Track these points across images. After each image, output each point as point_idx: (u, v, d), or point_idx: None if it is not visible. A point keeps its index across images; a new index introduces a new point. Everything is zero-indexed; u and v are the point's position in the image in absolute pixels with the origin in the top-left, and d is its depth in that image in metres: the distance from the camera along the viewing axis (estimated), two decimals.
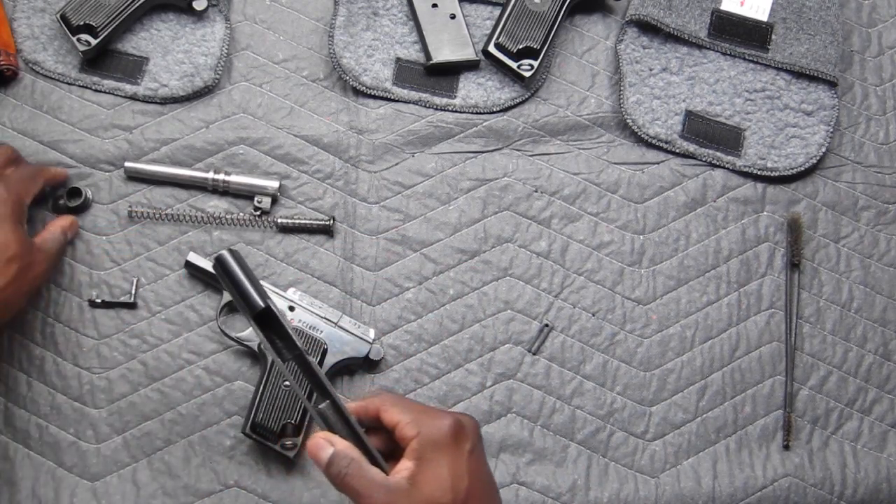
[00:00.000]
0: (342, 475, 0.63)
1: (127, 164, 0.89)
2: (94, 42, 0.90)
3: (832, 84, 0.97)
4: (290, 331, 0.66)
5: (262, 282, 0.85)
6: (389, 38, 0.96)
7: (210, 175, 0.89)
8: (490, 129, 0.95)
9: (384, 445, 0.67)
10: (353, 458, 0.63)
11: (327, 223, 0.89)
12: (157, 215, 0.89)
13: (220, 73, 0.93)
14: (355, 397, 0.67)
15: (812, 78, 0.97)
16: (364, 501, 0.62)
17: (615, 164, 0.95)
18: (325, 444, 0.64)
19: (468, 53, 0.95)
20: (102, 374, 0.84)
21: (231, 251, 0.66)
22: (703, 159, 0.96)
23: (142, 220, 0.89)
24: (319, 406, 0.66)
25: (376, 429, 0.67)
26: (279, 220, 0.89)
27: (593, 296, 0.91)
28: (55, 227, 0.84)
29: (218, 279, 0.68)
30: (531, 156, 0.95)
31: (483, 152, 0.95)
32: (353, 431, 0.65)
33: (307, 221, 0.90)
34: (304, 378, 0.68)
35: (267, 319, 0.66)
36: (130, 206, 0.89)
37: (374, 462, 0.64)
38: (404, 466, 0.63)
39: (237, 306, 0.67)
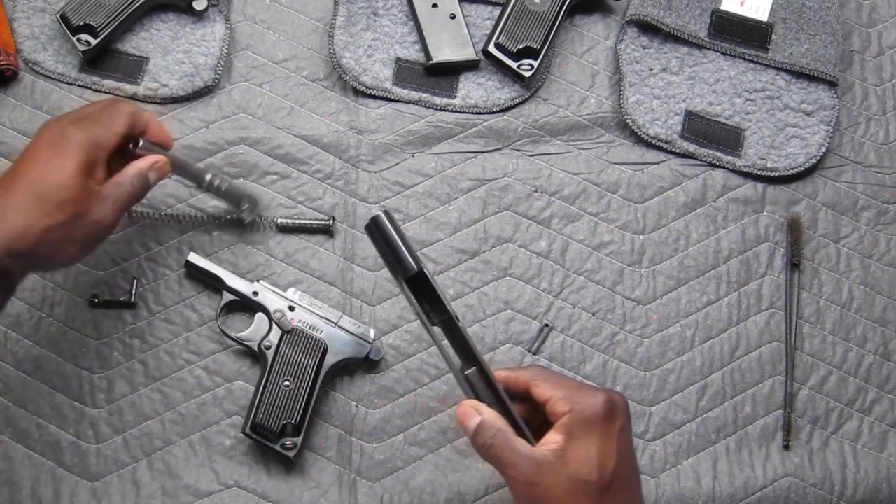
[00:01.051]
0: (488, 445, 0.63)
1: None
2: (94, 42, 0.90)
3: (832, 84, 0.97)
4: (441, 295, 0.66)
5: (261, 282, 0.86)
6: (389, 38, 0.96)
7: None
8: (490, 129, 0.95)
9: (527, 416, 0.67)
10: (499, 427, 0.63)
11: (327, 223, 0.89)
12: (157, 215, 0.89)
13: (220, 73, 0.93)
14: (505, 367, 0.68)
15: (812, 78, 0.97)
16: (509, 472, 0.62)
17: (615, 164, 0.95)
18: (473, 412, 0.64)
19: (468, 53, 0.95)
20: (102, 374, 0.85)
21: (386, 212, 0.66)
22: (703, 159, 0.96)
23: (142, 220, 0.89)
24: (466, 372, 0.66)
25: (521, 400, 0.67)
26: (279, 221, 0.89)
27: (593, 296, 0.91)
28: (130, 170, 0.75)
29: (371, 240, 0.67)
30: (531, 156, 0.95)
31: (483, 152, 0.95)
32: (499, 399, 0.65)
33: (307, 221, 0.90)
34: (452, 343, 0.67)
35: (418, 283, 0.66)
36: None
37: (520, 433, 0.64)
38: (553, 440, 0.63)
39: (388, 268, 0.67)
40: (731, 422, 0.89)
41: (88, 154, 0.71)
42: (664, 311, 0.91)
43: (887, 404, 0.91)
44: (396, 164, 0.93)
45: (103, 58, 0.93)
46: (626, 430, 0.66)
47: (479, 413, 0.64)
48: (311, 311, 0.85)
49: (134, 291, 0.87)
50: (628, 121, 0.95)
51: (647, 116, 0.95)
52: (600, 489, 0.62)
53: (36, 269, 0.71)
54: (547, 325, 0.90)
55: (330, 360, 0.84)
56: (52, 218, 0.69)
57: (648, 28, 0.98)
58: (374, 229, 0.66)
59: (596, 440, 0.63)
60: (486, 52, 0.95)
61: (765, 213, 0.95)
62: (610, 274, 0.92)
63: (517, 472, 0.62)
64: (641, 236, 0.93)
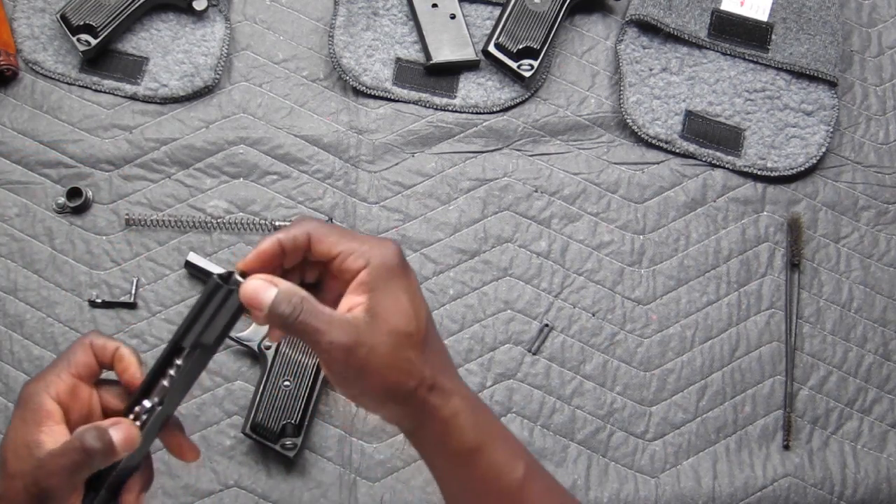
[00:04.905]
0: (295, 315, 0.54)
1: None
2: (94, 42, 0.90)
3: (832, 84, 0.97)
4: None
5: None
6: (389, 38, 0.96)
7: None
8: (490, 129, 0.95)
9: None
10: (303, 295, 0.54)
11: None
12: (154, 222, 0.88)
13: (220, 73, 0.93)
14: (279, 229, 0.57)
15: (812, 78, 0.97)
16: (323, 341, 0.54)
17: (615, 164, 0.95)
18: (266, 284, 0.54)
19: (468, 53, 0.95)
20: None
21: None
22: (703, 159, 0.96)
23: (138, 226, 0.89)
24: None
25: (288, 270, 0.58)
26: (277, 224, 0.89)
27: (593, 296, 0.91)
28: (81, 429, 0.55)
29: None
30: (531, 156, 0.95)
31: (483, 152, 0.95)
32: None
33: None
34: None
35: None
36: (127, 214, 0.88)
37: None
38: (356, 301, 0.55)
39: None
40: (731, 422, 0.89)
41: (24, 402, 0.56)
42: (664, 311, 0.91)
43: (887, 404, 0.91)
44: (396, 164, 0.93)
45: (103, 58, 0.93)
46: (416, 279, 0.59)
47: (275, 284, 0.54)
48: None
49: (134, 291, 0.87)
50: (628, 121, 0.95)
51: (647, 116, 0.95)
52: (421, 340, 0.56)
53: None
54: (547, 325, 0.90)
55: None
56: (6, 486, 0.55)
57: (648, 28, 0.98)
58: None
59: (402, 289, 0.56)
60: (486, 52, 0.95)
61: (765, 213, 0.95)
62: (610, 274, 0.92)
63: (333, 339, 0.53)
64: (641, 236, 0.93)
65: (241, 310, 0.56)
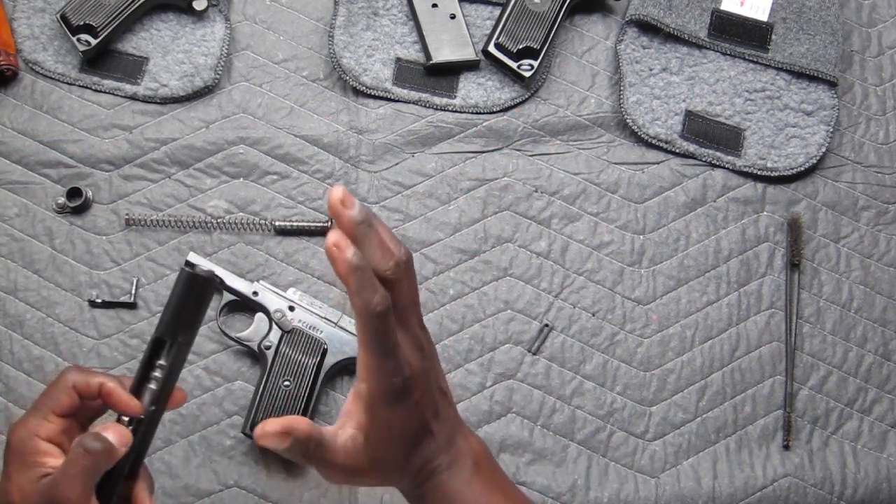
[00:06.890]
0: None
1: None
2: (94, 42, 0.90)
3: (832, 84, 0.97)
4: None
5: (261, 282, 0.86)
6: (389, 38, 0.96)
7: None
8: (490, 129, 0.95)
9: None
10: None
11: (326, 225, 0.89)
12: (154, 222, 0.88)
13: (220, 73, 0.93)
14: None
15: (812, 78, 0.97)
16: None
17: (615, 164, 0.95)
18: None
19: (468, 53, 0.95)
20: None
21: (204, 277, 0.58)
22: (703, 159, 0.96)
23: (138, 226, 0.89)
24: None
25: None
26: (277, 224, 0.89)
27: (593, 296, 0.91)
28: (75, 445, 0.57)
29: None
30: (531, 156, 0.95)
31: (483, 152, 0.95)
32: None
33: (305, 224, 0.89)
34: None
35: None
36: (127, 214, 0.88)
37: None
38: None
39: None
40: (731, 422, 0.89)
41: (18, 450, 0.58)
42: (664, 311, 0.91)
43: (887, 404, 0.91)
44: (396, 164, 0.93)
45: (103, 58, 0.93)
46: None
47: None
48: (311, 311, 0.85)
49: (134, 291, 0.87)
50: (628, 121, 0.95)
51: (647, 116, 0.95)
52: None
53: None
54: (547, 325, 0.90)
55: (330, 360, 0.84)
56: None
57: (648, 28, 0.98)
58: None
59: None
60: (486, 52, 0.95)
61: (765, 213, 0.95)
62: (610, 274, 0.92)
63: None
64: (641, 236, 0.93)
65: (211, 295, 0.60)
